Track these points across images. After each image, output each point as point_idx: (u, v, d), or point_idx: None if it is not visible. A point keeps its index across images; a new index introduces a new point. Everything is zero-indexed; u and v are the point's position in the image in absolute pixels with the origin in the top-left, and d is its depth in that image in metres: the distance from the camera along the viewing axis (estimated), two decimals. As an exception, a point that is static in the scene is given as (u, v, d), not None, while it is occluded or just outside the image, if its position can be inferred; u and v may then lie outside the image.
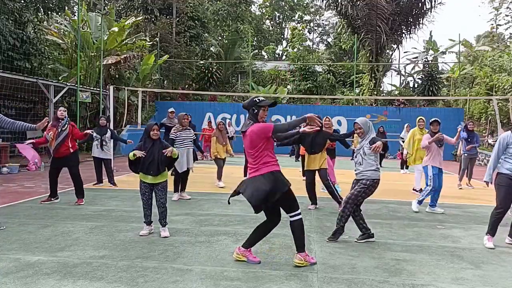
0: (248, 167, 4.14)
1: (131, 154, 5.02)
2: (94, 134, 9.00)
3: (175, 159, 5.21)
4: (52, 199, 7.08)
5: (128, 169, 13.24)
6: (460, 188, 9.96)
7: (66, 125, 6.95)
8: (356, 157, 5.13)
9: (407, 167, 12.80)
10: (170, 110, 10.49)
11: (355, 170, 5.12)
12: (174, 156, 5.12)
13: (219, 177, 9.38)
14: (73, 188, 7.09)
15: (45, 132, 6.76)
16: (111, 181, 9.06)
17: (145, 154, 4.95)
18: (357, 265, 4.21)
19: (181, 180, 7.65)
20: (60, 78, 16.32)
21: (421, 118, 8.83)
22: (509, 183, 4.92)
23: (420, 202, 7.10)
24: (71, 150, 6.98)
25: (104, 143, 8.89)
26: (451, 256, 4.60)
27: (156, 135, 5.07)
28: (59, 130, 6.84)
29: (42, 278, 3.69)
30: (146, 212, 5.21)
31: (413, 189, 9.18)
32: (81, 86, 14.87)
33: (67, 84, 14.67)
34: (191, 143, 7.58)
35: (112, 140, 9.46)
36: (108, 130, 9.14)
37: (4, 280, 3.62)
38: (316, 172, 6.98)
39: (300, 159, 11.65)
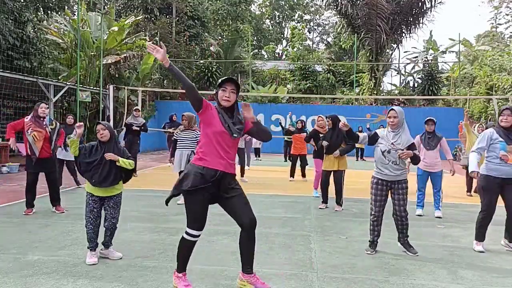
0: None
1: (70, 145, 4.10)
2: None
3: (130, 171, 4.24)
4: (33, 209, 6.32)
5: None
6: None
7: (58, 130, 6.46)
8: (388, 153, 4.43)
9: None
10: (135, 108, 9.18)
11: (387, 171, 4.47)
12: (121, 165, 4.06)
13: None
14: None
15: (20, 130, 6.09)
16: (76, 181, 8.37)
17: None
18: (357, 264, 4.21)
19: None
20: (60, 77, 16.29)
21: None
22: None
23: (418, 206, 6.90)
24: (51, 153, 6.42)
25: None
26: (451, 256, 4.60)
27: (103, 136, 4.07)
28: (49, 131, 6.28)
29: (42, 277, 3.69)
30: (91, 235, 4.08)
31: None
32: (81, 85, 14.85)
33: (67, 83, 14.65)
34: (190, 144, 6.99)
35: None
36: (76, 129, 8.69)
37: (4, 279, 3.62)
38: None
39: (290, 159, 11.60)
